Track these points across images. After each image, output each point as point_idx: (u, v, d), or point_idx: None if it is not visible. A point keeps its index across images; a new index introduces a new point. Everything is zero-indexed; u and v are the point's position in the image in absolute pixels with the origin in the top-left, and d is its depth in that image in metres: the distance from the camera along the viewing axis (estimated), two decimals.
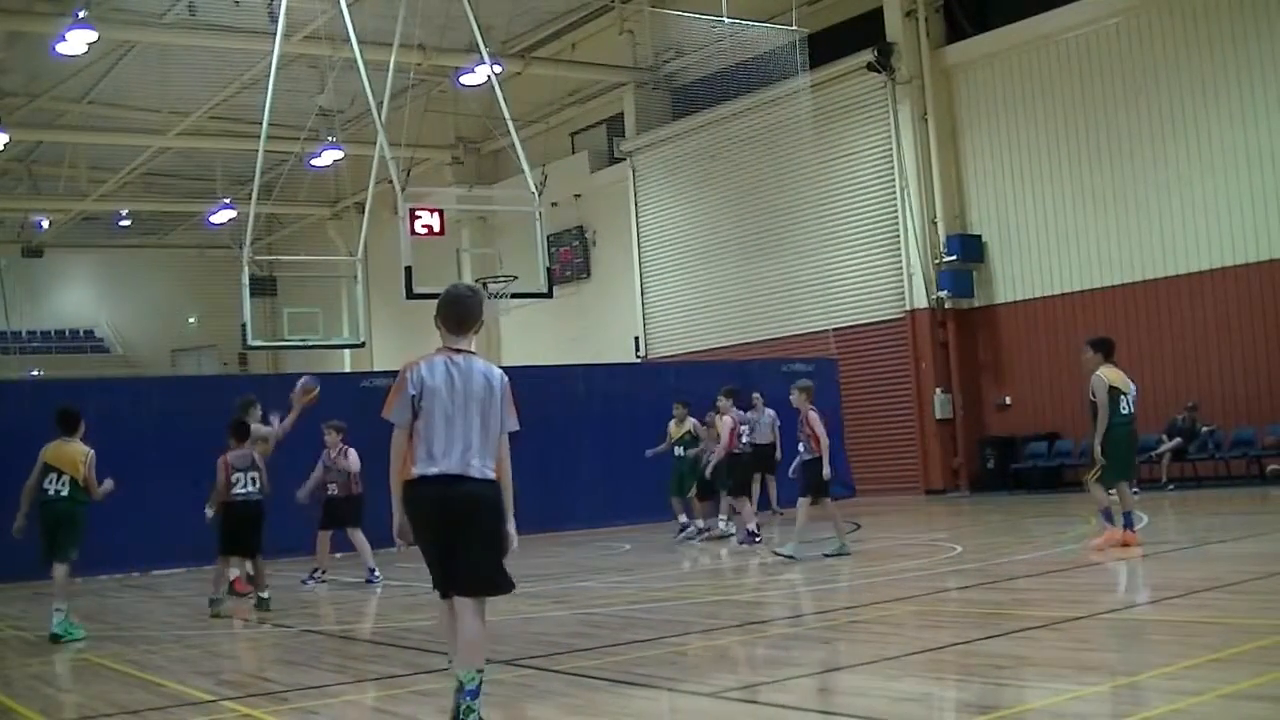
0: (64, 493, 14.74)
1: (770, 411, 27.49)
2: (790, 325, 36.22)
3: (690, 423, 23.68)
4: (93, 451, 14.67)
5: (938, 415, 33.15)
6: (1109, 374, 16.34)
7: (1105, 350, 16.61)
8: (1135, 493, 16.63)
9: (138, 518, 23.14)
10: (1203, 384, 28.25)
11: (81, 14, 30.33)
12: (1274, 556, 14.78)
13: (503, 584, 7.84)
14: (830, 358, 32.53)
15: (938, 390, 33.12)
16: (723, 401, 22.46)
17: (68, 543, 14.70)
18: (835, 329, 34.25)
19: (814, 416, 18.14)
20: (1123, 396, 16.28)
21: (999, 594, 13.47)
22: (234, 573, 17.79)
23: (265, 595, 15.82)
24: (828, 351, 33.06)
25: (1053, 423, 31.24)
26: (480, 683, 7.61)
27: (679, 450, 23.58)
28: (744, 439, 22.57)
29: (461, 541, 7.70)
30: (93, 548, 22.38)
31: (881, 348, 34.30)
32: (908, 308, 33.72)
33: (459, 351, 7.96)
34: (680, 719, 8.59)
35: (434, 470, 7.68)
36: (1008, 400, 32.71)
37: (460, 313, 8.06)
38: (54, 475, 14.82)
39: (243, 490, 15.85)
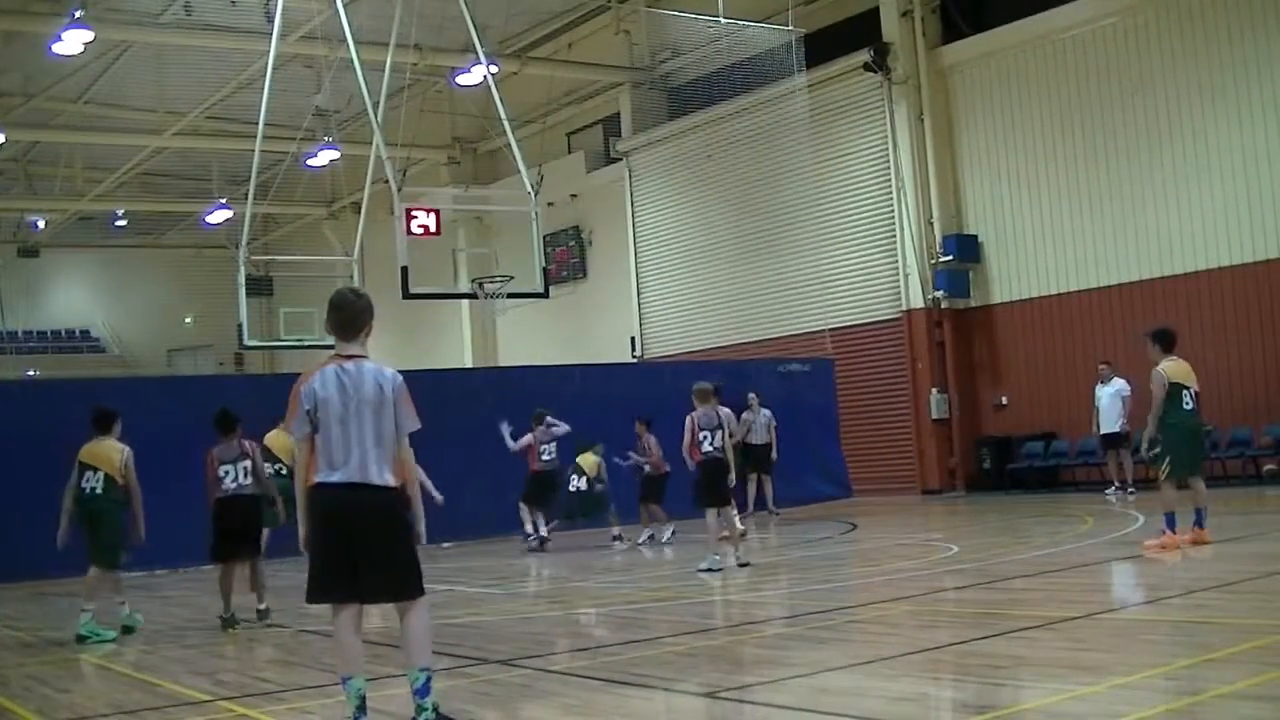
0: (99, 490, 14.48)
1: (766, 411, 27.53)
2: (786, 325, 36.21)
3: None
4: (129, 449, 14.43)
5: (934, 415, 33.15)
6: (1170, 368, 16.10)
7: (1165, 342, 16.30)
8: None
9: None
10: (1199, 384, 28.21)
11: (78, 14, 30.30)
12: (1271, 556, 14.79)
13: (412, 588, 7.95)
14: (827, 358, 32.54)
15: (934, 390, 33.12)
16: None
17: (106, 542, 14.55)
18: (831, 329, 34.24)
19: (687, 421, 17.70)
20: (1185, 390, 16.07)
21: (995, 594, 13.47)
22: None
23: (263, 607, 15.03)
24: (824, 351, 33.06)
25: (1049, 423, 31.24)
26: (429, 681, 7.86)
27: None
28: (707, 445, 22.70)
29: (365, 550, 7.75)
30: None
31: (878, 348, 34.29)
32: (904, 308, 33.71)
33: (350, 358, 7.94)
34: (676, 719, 8.59)
35: (333, 478, 7.75)
36: (1004, 400, 32.71)
37: (344, 318, 8.02)
38: (90, 473, 14.51)
39: (233, 483, 15.00)
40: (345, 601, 7.89)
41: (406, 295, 26.83)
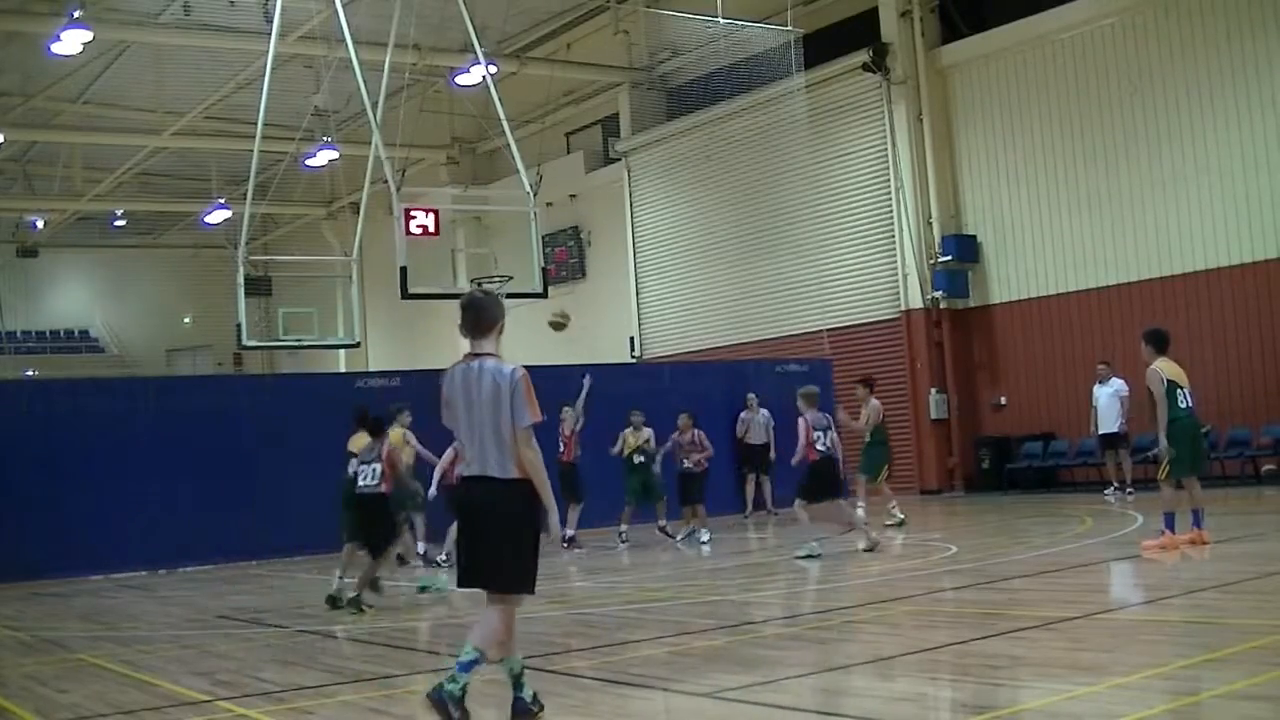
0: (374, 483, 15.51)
1: (765, 412, 27.53)
2: (785, 325, 36.21)
3: (647, 432, 23.50)
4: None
5: (933, 415, 33.15)
6: (1165, 367, 16.12)
7: (1159, 343, 16.31)
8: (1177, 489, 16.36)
9: (133, 518, 23.19)
10: (1198, 384, 28.10)
11: (77, 14, 30.27)
12: (1269, 556, 14.80)
13: (522, 583, 8.15)
14: (825, 358, 32.53)
15: (933, 390, 33.12)
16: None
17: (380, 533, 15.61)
18: (830, 329, 34.23)
19: (802, 424, 18.42)
20: (1180, 390, 16.07)
21: (994, 594, 13.48)
22: None
23: (355, 595, 15.29)
24: (822, 352, 33.05)
25: (1048, 423, 31.25)
26: (475, 660, 7.90)
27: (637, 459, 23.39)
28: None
29: (481, 540, 8.07)
30: (87, 548, 22.57)
31: (877, 348, 34.27)
32: (903, 308, 33.71)
33: (477, 356, 8.26)
34: (676, 719, 8.59)
35: (467, 472, 8.20)
36: (1003, 400, 32.72)
37: (472, 317, 8.39)
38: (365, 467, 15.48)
39: (365, 482, 15.71)
40: (472, 588, 8.27)
41: (405, 295, 26.81)
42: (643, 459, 22.85)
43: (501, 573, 8.09)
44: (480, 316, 8.37)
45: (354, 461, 16.10)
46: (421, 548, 21.45)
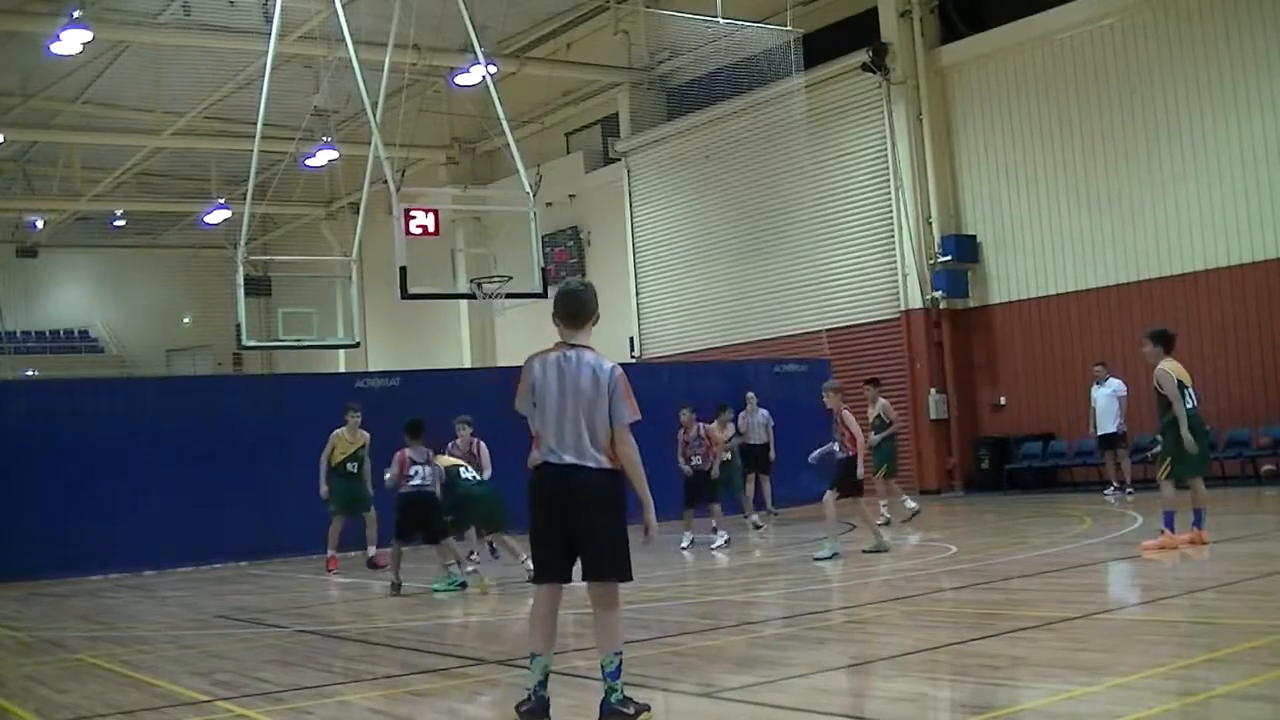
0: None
1: (764, 412, 27.49)
2: (785, 326, 36.23)
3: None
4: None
5: (932, 415, 33.16)
6: (1173, 366, 16.14)
7: (1165, 343, 16.29)
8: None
9: (133, 518, 23.19)
10: (1198, 384, 28.11)
11: (76, 14, 30.29)
12: (1269, 556, 14.80)
13: (623, 571, 8.26)
14: (824, 358, 32.53)
15: (932, 391, 33.13)
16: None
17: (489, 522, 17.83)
18: (829, 329, 34.24)
19: (849, 415, 18.38)
20: (1186, 390, 16.06)
21: (994, 594, 13.48)
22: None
23: (399, 581, 17.16)
24: (822, 352, 33.05)
25: (1047, 423, 31.26)
26: (619, 665, 8.01)
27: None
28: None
29: (581, 529, 8.07)
30: (87, 548, 22.56)
31: (876, 348, 34.28)
32: (902, 308, 33.73)
33: (573, 346, 8.25)
34: (675, 719, 8.59)
35: (550, 460, 8.06)
36: (1002, 401, 32.73)
37: (572, 307, 8.35)
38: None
39: (418, 482, 17.24)
40: (548, 580, 8.22)
41: (405, 295, 26.81)
42: None
43: (613, 560, 8.19)
44: (579, 307, 8.36)
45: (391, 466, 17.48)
46: (372, 550, 21.54)
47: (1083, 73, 30.83)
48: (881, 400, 23.53)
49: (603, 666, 7.98)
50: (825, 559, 17.34)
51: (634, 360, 40.38)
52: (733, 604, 14.21)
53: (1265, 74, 27.68)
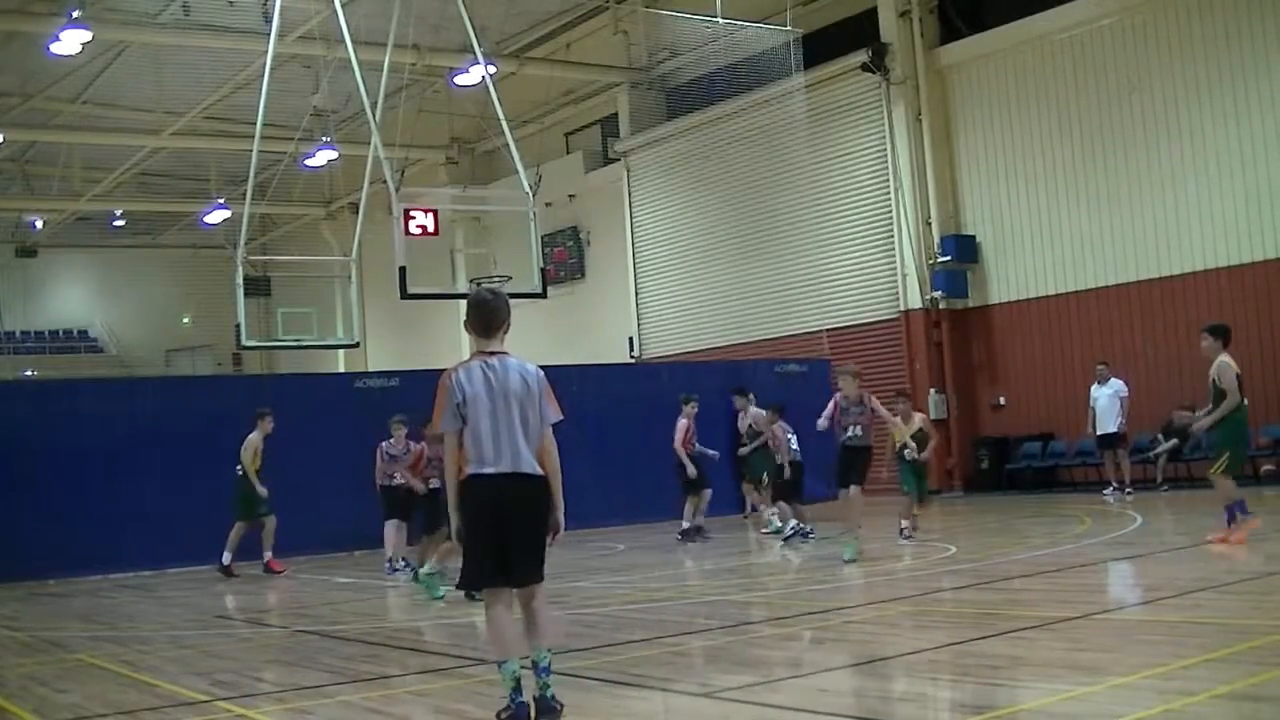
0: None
1: (762, 412, 27.48)
2: (784, 326, 36.22)
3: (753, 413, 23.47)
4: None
5: (932, 415, 33.04)
6: (1232, 360, 16.11)
7: (1225, 337, 16.27)
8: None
9: (133, 518, 23.19)
10: (1199, 384, 28.16)
11: (76, 14, 30.28)
12: (1268, 556, 14.81)
13: (537, 574, 8.24)
14: (824, 358, 32.53)
15: (932, 390, 33.12)
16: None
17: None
18: (829, 329, 34.25)
19: (878, 403, 18.21)
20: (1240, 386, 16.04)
21: (993, 594, 13.49)
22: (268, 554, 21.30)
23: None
24: (821, 352, 33.05)
25: (1047, 423, 31.26)
26: (551, 661, 8.10)
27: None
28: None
29: (516, 537, 8.11)
30: (87, 548, 22.56)
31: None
32: (902, 308, 33.73)
33: (492, 354, 8.34)
34: (675, 719, 8.60)
35: (487, 470, 8.09)
36: (1002, 401, 32.72)
37: (485, 317, 8.44)
38: None
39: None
40: (499, 587, 8.18)
41: (404, 295, 26.80)
42: None
43: (536, 565, 8.22)
44: (491, 317, 8.44)
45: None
46: (267, 555, 21.69)
47: (1082, 73, 30.83)
48: (916, 414, 22.04)
49: (536, 662, 8.05)
50: (851, 561, 17.02)
51: (634, 360, 40.39)
52: (733, 604, 14.22)
53: (1265, 73, 27.69)
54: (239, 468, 21.82)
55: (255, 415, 21.99)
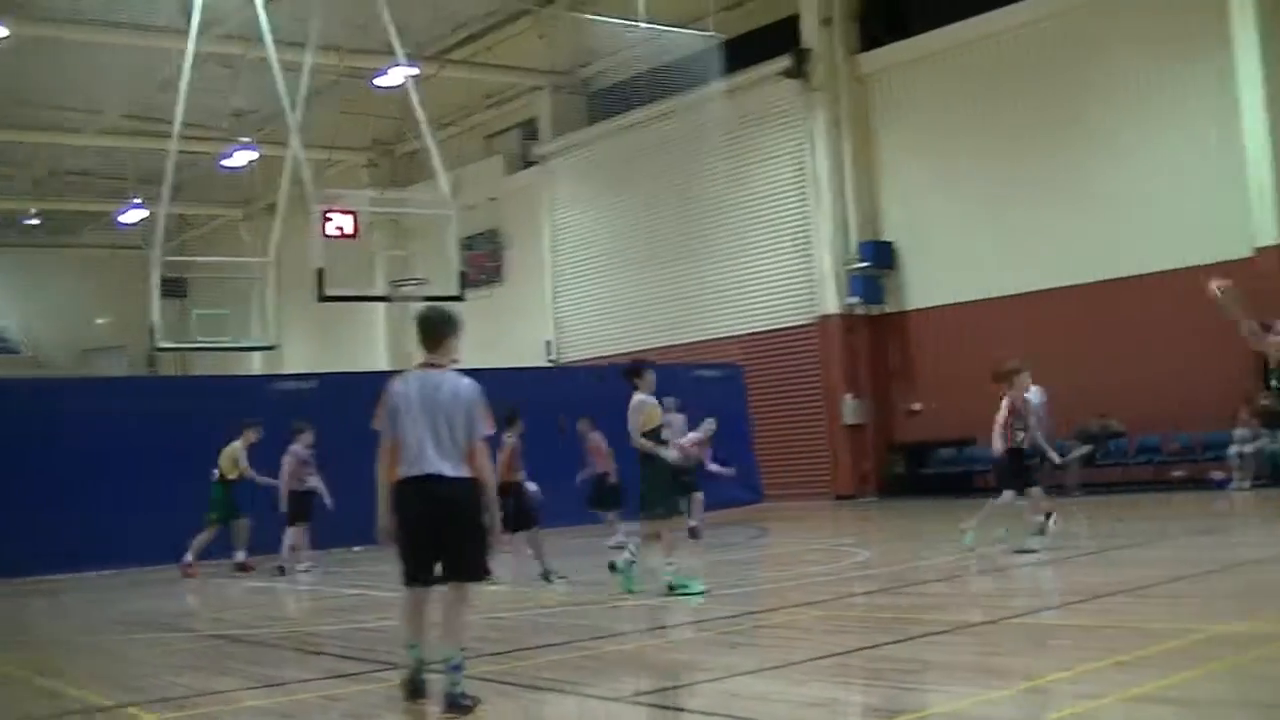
0: None
1: (680, 416, 27.49)
2: (702, 330, 36.28)
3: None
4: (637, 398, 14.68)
5: (847, 421, 33.30)
6: None
7: None
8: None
9: (47, 521, 22.89)
10: (1113, 390, 28.47)
11: None
12: (1178, 561, 14.95)
13: (480, 571, 8.84)
14: (740, 363, 32.62)
15: (848, 396, 33.27)
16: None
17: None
18: (747, 334, 34.36)
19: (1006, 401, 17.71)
20: None
21: (906, 599, 13.55)
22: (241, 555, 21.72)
23: None
24: (738, 357, 33.14)
25: (963, 429, 31.36)
26: (463, 661, 8.51)
27: None
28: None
29: (443, 535, 8.67)
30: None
31: (792, 353, 34.41)
32: (819, 313, 33.87)
33: (434, 366, 8.97)
34: None
35: (414, 472, 8.66)
36: (918, 406, 32.89)
37: (428, 331, 9.11)
38: None
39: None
40: (426, 584, 8.79)
41: (322, 297, 26.71)
42: None
43: (471, 563, 8.73)
44: (433, 331, 9.07)
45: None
46: (241, 555, 21.63)
47: (1001, 81, 31.05)
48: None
49: (449, 659, 8.47)
50: (1032, 551, 16.41)
51: (551, 364, 40.34)
52: (647, 609, 14.20)
53: (1190, 81, 27.96)
54: (215, 472, 22.11)
55: (241, 425, 22.09)
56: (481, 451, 8.83)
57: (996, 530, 17.07)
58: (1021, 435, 17.45)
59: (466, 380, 8.94)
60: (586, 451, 22.20)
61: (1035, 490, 17.20)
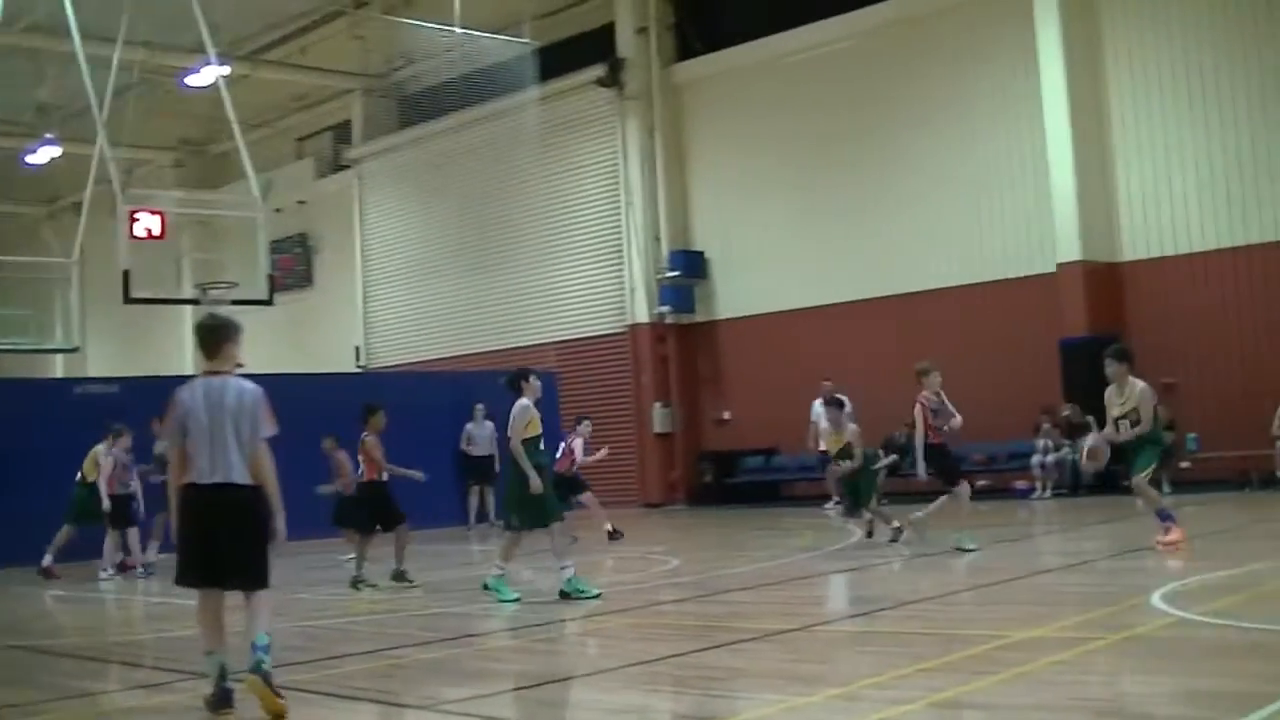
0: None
1: (490, 424, 27.46)
2: (513, 337, 36.24)
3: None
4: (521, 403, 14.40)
5: (657, 429, 33.46)
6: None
7: (1130, 360, 15.89)
8: None
9: None
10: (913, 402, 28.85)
11: None
12: (981, 569, 15.20)
13: (264, 579, 8.88)
14: (550, 371, 32.61)
15: (657, 404, 33.44)
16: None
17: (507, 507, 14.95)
18: (557, 342, 34.36)
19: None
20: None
21: (714, 606, 13.62)
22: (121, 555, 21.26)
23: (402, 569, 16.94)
24: (548, 364, 33.13)
25: (771, 438, 31.71)
26: (269, 642, 8.63)
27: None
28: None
29: (228, 542, 8.77)
30: None
31: (603, 361, 34.50)
32: (629, 322, 34.00)
33: (216, 374, 9.04)
34: None
35: (203, 480, 8.77)
36: (726, 415, 33.14)
37: (208, 340, 9.19)
38: None
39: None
40: (208, 587, 8.87)
41: (128, 299, 26.23)
42: None
43: (259, 571, 8.84)
44: (212, 339, 9.16)
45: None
46: (119, 556, 21.30)
47: (814, 94, 31.43)
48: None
49: (255, 643, 8.56)
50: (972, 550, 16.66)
51: (360, 370, 40.03)
52: (455, 616, 14.14)
53: (995, 101, 28.51)
54: (79, 474, 21.73)
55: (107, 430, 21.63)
56: (265, 455, 8.96)
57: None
58: (944, 430, 17.92)
59: (250, 385, 9.07)
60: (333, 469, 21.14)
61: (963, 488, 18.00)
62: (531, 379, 14.56)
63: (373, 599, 15.82)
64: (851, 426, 20.03)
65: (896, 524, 18.02)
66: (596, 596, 13.87)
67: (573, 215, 35.57)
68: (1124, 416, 15.48)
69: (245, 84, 37.87)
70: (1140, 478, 15.49)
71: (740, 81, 33.07)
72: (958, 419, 17.94)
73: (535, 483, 14.06)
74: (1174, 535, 15.14)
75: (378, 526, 17.14)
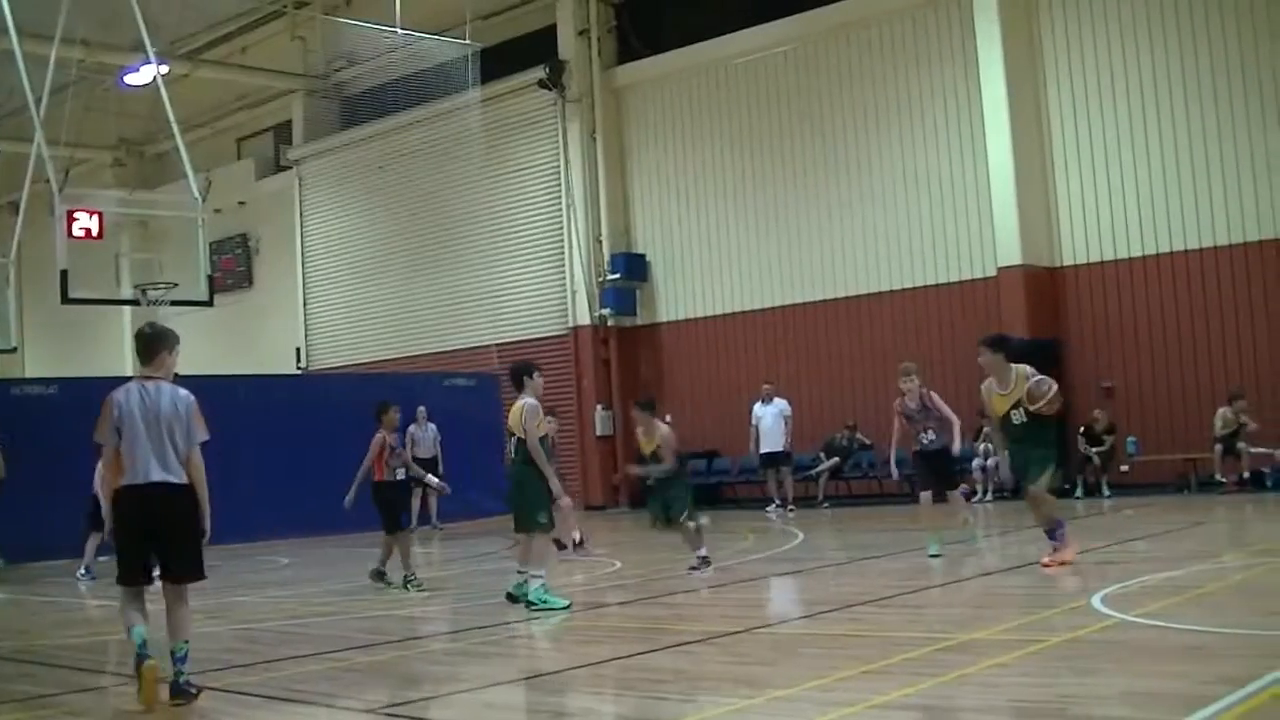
0: (513, 455, 13.94)
1: (432, 426, 27.40)
2: (455, 339, 36.17)
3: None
4: (530, 402, 13.78)
5: (598, 432, 33.46)
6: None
7: (1007, 349, 15.11)
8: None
9: None
10: (859, 403, 29.03)
11: None
12: (923, 572, 15.24)
13: (200, 571, 9.43)
14: (493, 373, 32.55)
15: (599, 407, 33.44)
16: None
17: (519, 510, 13.90)
18: (499, 344, 34.28)
19: (938, 398, 17.26)
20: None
21: (658, 609, 13.63)
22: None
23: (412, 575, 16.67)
24: (491, 366, 33.06)
25: (712, 441, 31.74)
26: (188, 652, 9.15)
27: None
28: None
29: (162, 539, 9.25)
30: None
31: (545, 364, 34.26)
32: (571, 324, 33.98)
33: (150, 379, 9.49)
34: None
35: (137, 480, 9.17)
36: (667, 419, 33.11)
37: (142, 347, 9.68)
38: (511, 440, 13.96)
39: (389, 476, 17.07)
40: (141, 584, 9.42)
41: (65, 300, 26.00)
42: None
43: (194, 564, 9.37)
44: (147, 347, 9.65)
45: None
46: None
47: (756, 98, 31.52)
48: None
49: (173, 652, 9.08)
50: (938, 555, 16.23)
51: (301, 371, 39.87)
52: (398, 619, 14.10)
53: (936, 106, 28.66)
54: None
55: None
56: (197, 458, 9.37)
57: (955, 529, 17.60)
58: (929, 439, 17.10)
59: (183, 391, 9.52)
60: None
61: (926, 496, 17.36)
62: (536, 376, 14.02)
63: (317, 603, 15.73)
64: (664, 429, 18.07)
65: (704, 553, 16.50)
66: (567, 608, 13.30)
67: (515, 217, 35.51)
68: (1015, 406, 14.63)
69: (185, 83, 37.65)
70: (1037, 487, 14.68)
71: (682, 85, 33.12)
72: (951, 422, 17.15)
73: (557, 486, 13.80)
74: (1064, 554, 14.49)
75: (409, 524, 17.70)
